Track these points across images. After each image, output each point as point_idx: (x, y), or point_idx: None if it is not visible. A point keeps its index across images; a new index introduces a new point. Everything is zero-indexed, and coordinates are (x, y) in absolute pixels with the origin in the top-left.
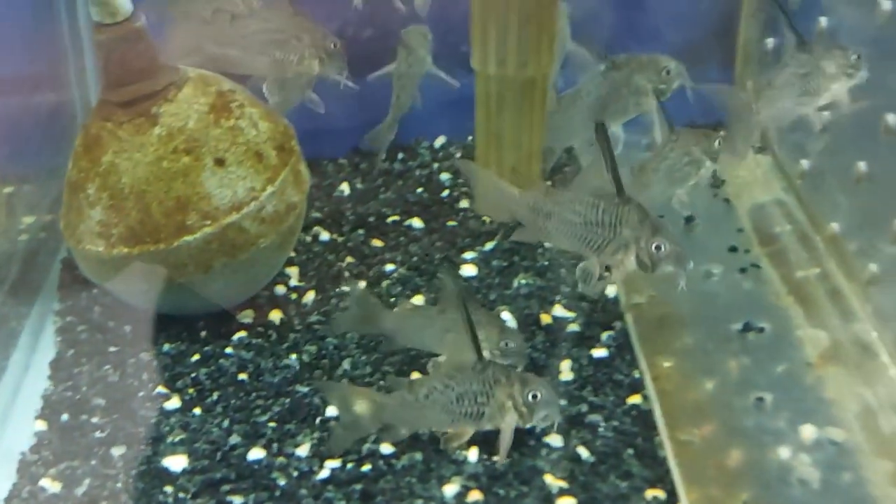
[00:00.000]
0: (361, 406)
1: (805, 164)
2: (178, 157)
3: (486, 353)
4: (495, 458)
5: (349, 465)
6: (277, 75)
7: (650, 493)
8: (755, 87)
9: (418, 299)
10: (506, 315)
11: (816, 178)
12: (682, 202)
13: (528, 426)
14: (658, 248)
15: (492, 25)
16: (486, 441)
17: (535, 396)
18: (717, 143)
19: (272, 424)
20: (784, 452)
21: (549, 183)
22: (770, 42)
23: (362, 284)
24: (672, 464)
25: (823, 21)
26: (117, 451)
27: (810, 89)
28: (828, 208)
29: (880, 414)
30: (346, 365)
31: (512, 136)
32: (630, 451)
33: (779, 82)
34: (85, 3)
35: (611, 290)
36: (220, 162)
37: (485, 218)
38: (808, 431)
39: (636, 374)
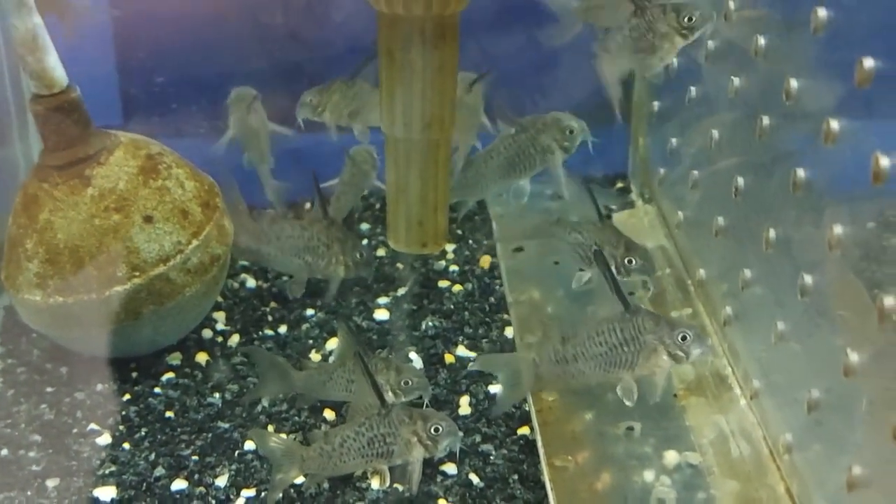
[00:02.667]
0: (285, 460)
1: (681, 214)
2: (109, 214)
3: (389, 394)
4: (403, 488)
5: (263, 493)
6: (305, 277)
7: None
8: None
9: (334, 341)
10: (413, 355)
11: (689, 228)
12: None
13: (432, 455)
14: (684, 338)
15: (398, 93)
16: (391, 469)
17: (437, 430)
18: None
19: (195, 457)
20: (648, 476)
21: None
22: (656, 104)
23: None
24: (548, 488)
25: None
26: (52, 483)
27: (643, 47)
28: (697, 255)
29: (731, 439)
30: (265, 402)
31: (418, 192)
32: (515, 476)
33: (615, 43)
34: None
35: (508, 331)
36: (148, 219)
37: (399, 265)
38: (670, 456)
39: (526, 408)
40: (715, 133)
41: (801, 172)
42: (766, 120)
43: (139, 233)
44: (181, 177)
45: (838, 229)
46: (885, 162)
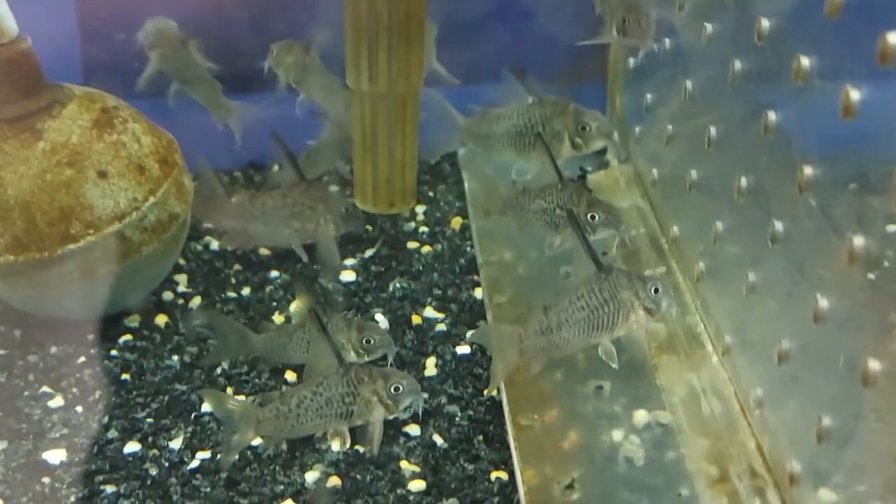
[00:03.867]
0: (241, 422)
1: (656, 172)
2: (62, 169)
3: (352, 354)
4: (364, 449)
5: (218, 456)
6: (299, 243)
7: (494, 475)
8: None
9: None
10: (379, 317)
11: (664, 185)
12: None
13: (393, 416)
14: (656, 290)
15: (363, 46)
16: (352, 431)
17: (397, 389)
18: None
19: (149, 420)
20: (617, 435)
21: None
22: (632, 61)
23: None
24: (512, 447)
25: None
26: (0, 446)
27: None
28: (671, 212)
29: (702, 397)
30: (224, 364)
31: (386, 148)
32: (481, 437)
33: None
34: None
35: (478, 293)
36: (102, 174)
37: (368, 227)
38: (640, 415)
39: None
40: (689, 84)
41: (772, 116)
42: (738, 64)
43: (93, 188)
44: (137, 131)
45: (808, 170)
46: (854, 96)
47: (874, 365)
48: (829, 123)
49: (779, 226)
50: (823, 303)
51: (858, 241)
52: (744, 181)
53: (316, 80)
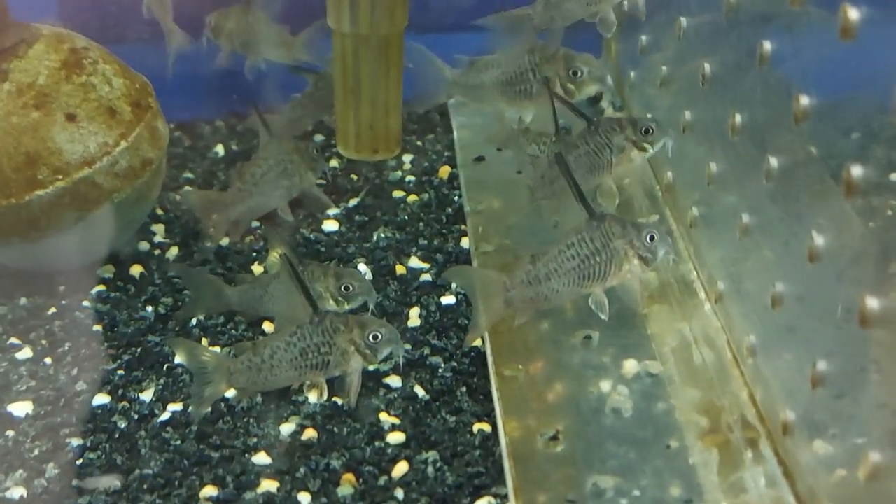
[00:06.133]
0: (214, 374)
1: (650, 117)
2: (28, 112)
3: (330, 303)
4: (342, 401)
5: (191, 408)
6: (286, 201)
7: (476, 427)
8: None
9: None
10: (362, 267)
11: None
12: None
13: (373, 367)
14: (652, 238)
15: None
16: (330, 383)
17: (375, 337)
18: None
19: (120, 372)
20: (604, 386)
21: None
22: (626, 3)
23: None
24: (495, 398)
25: None
26: None
27: None
28: (665, 159)
29: (694, 346)
30: (200, 315)
31: (369, 92)
32: (464, 388)
33: None
34: None
35: (465, 242)
36: (71, 117)
37: (352, 176)
38: (629, 366)
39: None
40: (683, 21)
41: (766, 45)
42: None
43: (61, 132)
44: (108, 73)
45: (804, 100)
46: (853, 15)
47: (872, 303)
48: (827, 51)
49: (773, 162)
50: (819, 241)
51: (856, 170)
52: (738, 118)
53: (267, 37)
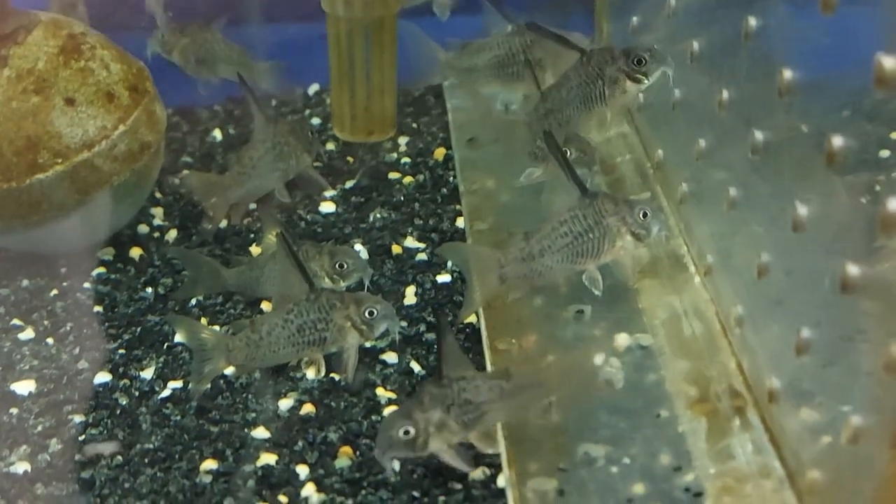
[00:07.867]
0: (213, 351)
1: (641, 97)
2: (28, 97)
3: (326, 281)
4: (340, 377)
5: (190, 385)
6: (283, 183)
7: None
8: None
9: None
10: (359, 247)
11: (649, 109)
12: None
13: (369, 343)
14: (644, 214)
15: None
16: (327, 359)
17: (371, 313)
18: None
19: (121, 351)
20: (597, 358)
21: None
22: None
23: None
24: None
25: None
26: None
27: None
28: (656, 136)
29: (684, 319)
30: (199, 296)
31: (363, 75)
32: None
33: None
34: None
35: (460, 222)
36: (70, 101)
37: (349, 158)
38: (621, 339)
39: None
40: (672, 1)
41: (752, 21)
42: None
43: (60, 116)
44: (106, 58)
45: (788, 74)
46: None
47: (853, 271)
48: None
49: (759, 136)
50: (802, 210)
51: (837, 140)
52: (725, 94)
53: (225, 57)
